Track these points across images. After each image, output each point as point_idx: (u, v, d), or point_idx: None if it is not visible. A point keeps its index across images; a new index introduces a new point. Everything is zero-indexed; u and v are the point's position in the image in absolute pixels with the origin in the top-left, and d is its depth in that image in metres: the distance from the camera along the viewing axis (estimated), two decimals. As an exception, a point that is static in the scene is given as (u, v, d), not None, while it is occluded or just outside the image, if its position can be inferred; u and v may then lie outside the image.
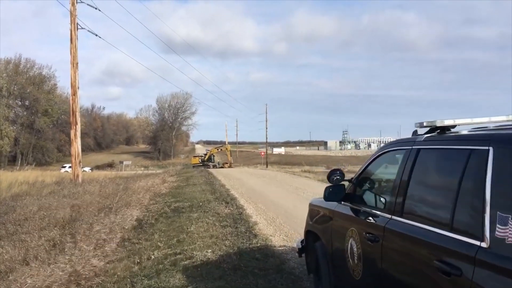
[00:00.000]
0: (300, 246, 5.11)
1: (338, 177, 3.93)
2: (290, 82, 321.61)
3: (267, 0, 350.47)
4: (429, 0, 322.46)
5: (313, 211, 4.81)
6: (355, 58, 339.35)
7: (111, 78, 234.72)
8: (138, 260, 7.01)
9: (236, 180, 22.31)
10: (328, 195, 3.96)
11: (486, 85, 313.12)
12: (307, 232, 4.96)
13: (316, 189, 16.61)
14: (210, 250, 7.06)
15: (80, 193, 17.11)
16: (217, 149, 72.21)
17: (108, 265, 7.06)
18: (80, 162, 24.93)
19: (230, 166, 58.99)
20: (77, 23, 24.41)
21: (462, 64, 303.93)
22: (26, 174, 34.37)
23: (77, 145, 24.66)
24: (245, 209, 11.43)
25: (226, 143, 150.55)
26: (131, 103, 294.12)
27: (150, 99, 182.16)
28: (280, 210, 11.43)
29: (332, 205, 4.12)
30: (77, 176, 24.18)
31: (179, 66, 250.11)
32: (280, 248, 7.27)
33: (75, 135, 24.69)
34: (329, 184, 4.01)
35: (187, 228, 8.99)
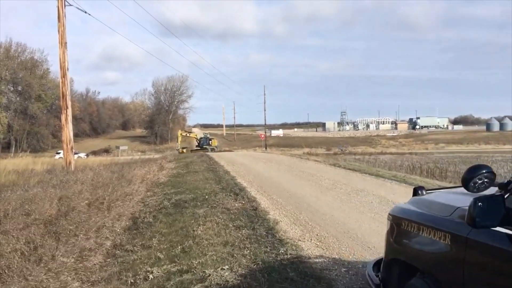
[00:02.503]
0: (375, 280, 3.33)
1: (485, 179, 2.16)
2: (288, 64, 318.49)
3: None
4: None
5: (406, 230, 3.00)
6: (354, 39, 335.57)
7: (108, 63, 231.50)
8: (132, 281, 5.29)
9: (241, 165, 20.55)
10: (482, 217, 2.15)
11: (486, 64, 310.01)
12: (391, 261, 3.18)
13: (333, 175, 14.89)
14: (226, 267, 5.33)
15: (71, 183, 15.39)
16: (186, 134, 71.94)
17: (91, 287, 5.34)
18: (72, 148, 23.31)
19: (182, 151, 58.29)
20: (64, 0, 22.51)
21: (461, 43, 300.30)
22: (17, 162, 32.57)
23: (68, 130, 23.00)
24: (259, 203, 9.70)
25: (224, 126, 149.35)
26: (128, 87, 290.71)
27: (147, 84, 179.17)
28: (300, 203, 9.70)
29: (463, 228, 2.35)
30: (69, 163, 22.57)
31: (177, 49, 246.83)
32: (318, 261, 5.54)
33: (66, 119, 22.99)
34: (473, 195, 2.24)
35: (193, 231, 7.26)
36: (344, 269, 5.17)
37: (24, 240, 7.57)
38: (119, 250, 6.92)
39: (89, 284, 5.45)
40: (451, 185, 13.50)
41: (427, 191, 3.51)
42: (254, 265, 5.40)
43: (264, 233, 6.99)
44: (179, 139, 66.39)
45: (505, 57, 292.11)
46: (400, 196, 10.09)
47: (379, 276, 3.33)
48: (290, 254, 5.79)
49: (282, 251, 5.90)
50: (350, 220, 7.79)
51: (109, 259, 6.44)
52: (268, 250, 6.02)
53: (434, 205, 2.82)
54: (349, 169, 17.33)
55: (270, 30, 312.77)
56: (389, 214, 3.35)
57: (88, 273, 5.86)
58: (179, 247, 6.42)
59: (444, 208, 2.66)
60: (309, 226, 7.51)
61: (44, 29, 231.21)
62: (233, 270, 5.21)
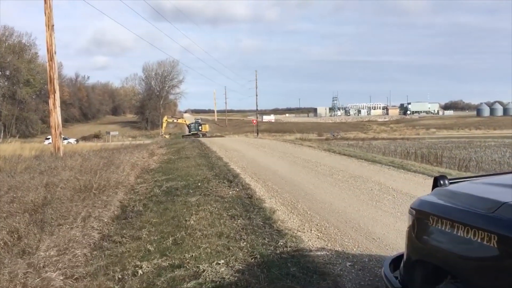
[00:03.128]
0: (396, 283, 2.90)
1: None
2: (279, 49, 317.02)
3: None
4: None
5: (435, 228, 2.53)
6: (346, 24, 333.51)
7: (98, 48, 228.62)
8: (120, 276, 4.88)
9: (233, 151, 20.11)
10: None
11: (476, 49, 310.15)
12: (415, 262, 2.76)
13: (329, 162, 14.52)
14: (222, 261, 4.92)
15: (59, 169, 14.91)
16: (172, 120, 74.44)
17: (75, 284, 4.92)
18: (61, 133, 22.81)
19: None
20: (50, -20, 21.78)
21: (452, 28, 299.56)
22: (4, 147, 31.89)
23: (56, 115, 22.47)
24: (254, 190, 9.30)
25: (215, 111, 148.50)
26: (118, 72, 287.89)
27: (138, 69, 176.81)
28: (297, 190, 9.30)
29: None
30: (58, 149, 22.09)
31: (168, 33, 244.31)
32: (320, 254, 5.16)
33: (54, 104, 22.44)
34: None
35: (186, 221, 6.85)
36: (349, 263, 4.79)
37: (7, 230, 7.15)
38: (106, 241, 6.49)
39: (73, 279, 5.02)
40: (451, 171, 13.23)
41: (451, 181, 3.10)
42: (251, 259, 5.00)
43: (261, 223, 6.59)
44: (164, 125, 67.93)
45: (495, 42, 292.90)
46: (400, 183, 9.75)
47: (399, 278, 2.92)
48: (290, 246, 5.40)
49: (281, 243, 5.51)
50: (350, 208, 7.42)
51: (95, 252, 6.01)
52: (266, 242, 5.63)
53: (468, 198, 2.41)
54: (345, 154, 16.97)
55: (261, 14, 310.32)
56: (411, 207, 2.93)
57: (73, 267, 5.44)
58: (170, 239, 6.01)
59: (483, 202, 2.25)
60: (308, 215, 7.12)
61: (32, 12, 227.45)
62: (229, 265, 4.80)
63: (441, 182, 3.04)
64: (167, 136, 58.17)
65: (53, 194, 10.07)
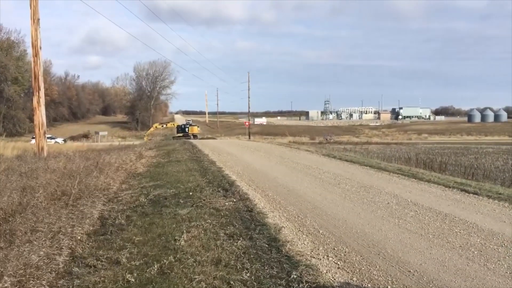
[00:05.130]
0: None
1: None
2: (273, 51, 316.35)
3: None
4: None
5: None
6: (340, 28, 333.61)
7: (91, 46, 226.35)
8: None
9: (227, 154, 18.95)
10: None
11: (467, 55, 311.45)
12: None
13: (332, 168, 13.43)
14: (221, 304, 3.79)
15: (40, 170, 13.67)
16: (161, 126, 74.01)
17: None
18: (45, 133, 21.59)
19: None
20: (37, -28, 20.60)
21: (445, 34, 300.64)
22: (-15, 147, 30.49)
23: (41, 114, 21.23)
24: (253, 201, 8.16)
25: (206, 113, 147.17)
26: (110, 72, 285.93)
27: (130, 68, 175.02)
28: (302, 202, 8.18)
29: None
30: (42, 149, 20.83)
31: (163, 34, 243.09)
32: (347, 294, 4.04)
33: (39, 102, 21.20)
34: None
35: (175, 241, 5.69)
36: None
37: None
38: (77, 265, 5.32)
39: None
40: (461, 179, 12.20)
41: None
42: (259, 300, 3.87)
43: (266, 245, 5.46)
44: (151, 129, 69.25)
45: (486, 49, 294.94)
46: (418, 196, 8.68)
47: None
48: (307, 281, 4.27)
49: (295, 276, 4.38)
50: (370, 227, 6.30)
51: (61, 281, 4.84)
52: (275, 273, 4.50)
53: None
54: (346, 160, 15.89)
55: (257, 16, 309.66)
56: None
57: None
58: (156, 266, 4.85)
59: None
60: (321, 235, 5.99)
61: (22, 9, 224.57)
62: (232, 311, 3.67)
63: None
64: (147, 140, 57.51)
65: (29, 200, 8.88)
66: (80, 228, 6.80)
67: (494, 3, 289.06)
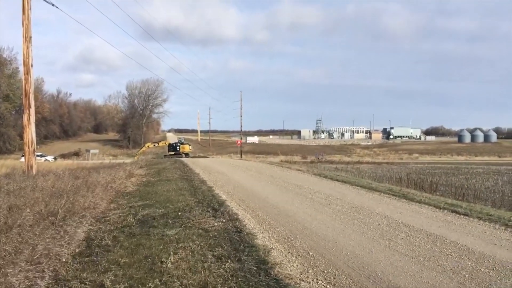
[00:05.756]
0: None
1: None
2: (266, 70, 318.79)
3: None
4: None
5: None
6: (333, 48, 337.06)
7: (85, 65, 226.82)
8: None
9: (218, 173, 18.83)
10: None
11: (457, 76, 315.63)
12: None
13: (323, 188, 13.37)
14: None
15: (28, 189, 13.47)
16: (153, 145, 74.68)
17: None
18: (34, 151, 21.37)
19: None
20: (30, -9, 20.68)
21: (436, 55, 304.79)
22: (-27, 165, 30.13)
23: (31, 132, 21.06)
24: (243, 222, 8.05)
25: (198, 131, 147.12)
26: (104, 90, 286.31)
27: (123, 86, 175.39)
28: (292, 223, 8.08)
29: None
30: (31, 167, 20.62)
31: (157, 53, 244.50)
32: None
33: (29, 119, 21.05)
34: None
35: (162, 263, 5.57)
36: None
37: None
38: (61, 288, 5.17)
39: None
40: (453, 200, 12.17)
41: None
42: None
43: (254, 267, 5.35)
44: (143, 149, 69.48)
45: (476, 71, 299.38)
46: (408, 217, 8.62)
47: None
48: (295, 305, 4.17)
49: (283, 301, 4.27)
50: (360, 249, 6.22)
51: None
52: (263, 297, 4.39)
53: None
54: (337, 180, 15.84)
55: (251, 36, 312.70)
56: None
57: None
58: (141, 290, 4.73)
59: None
60: (310, 257, 5.90)
61: (15, 28, 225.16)
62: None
63: None
64: (137, 159, 57.46)
65: (15, 219, 8.70)
66: (65, 249, 6.65)
67: (484, 26, 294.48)
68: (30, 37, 20.69)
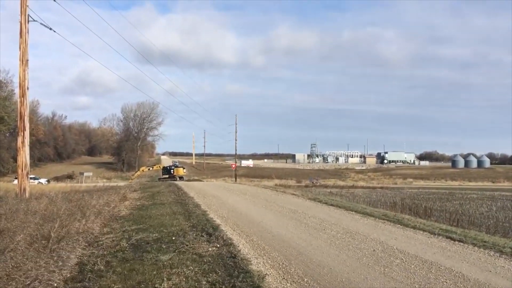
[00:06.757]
0: None
1: None
2: (261, 95, 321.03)
3: (249, 14, 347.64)
4: (400, 21, 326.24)
5: None
6: (328, 73, 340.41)
7: (81, 87, 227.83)
8: None
9: (212, 197, 18.77)
10: None
11: (451, 102, 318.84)
12: None
13: (318, 213, 13.34)
14: None
15: (20, 213, 13.35)
16: (148, 169, 74.36)
17: None
18: (28, 173, 21.29)
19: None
20: (28, 15, 20.90)
21: (429, 82, 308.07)
22: (-34, 187, 29.87)
23: (25, 154, 21.05)
24: (237, 247, 8.01)
25: (193, 154, 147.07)
26: (99, 113, 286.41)
27: (118, 109, 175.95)
28: (287, 248, 8.04)
29: None
30: (24, 190, 20.51)
31: (153, 76, 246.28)
32: None
33: (23, 142, 21.07)
34: None
35: (155, 290, 5.51)
36: None
37: None
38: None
39: None
40: (447, 226, 12.17)
41: None
42: None
43: (249, 294, 5.31)
44: (138, 173, 69.66)
45: (469, 97, 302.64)
46: (403, 243, 8.61)
47: None
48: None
49: (278, 328, 4.23)
50: (355, 276, 6.19)
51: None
52: (258, 325, 4.35)
53: None
54: (332, 205, 15.83)
55: (247, 61, 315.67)
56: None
57: None
58: (133, 317, 4.67)
59: None
60: (305, 283, 5.86)
61: (11, 50, 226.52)
62: None
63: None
64: (131, 182, 57.44)
65: (7, 244, 8.61)
66: (57, 275, 6.58)
67: (477, 53, 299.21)
68: (27, 60, 20.86)
